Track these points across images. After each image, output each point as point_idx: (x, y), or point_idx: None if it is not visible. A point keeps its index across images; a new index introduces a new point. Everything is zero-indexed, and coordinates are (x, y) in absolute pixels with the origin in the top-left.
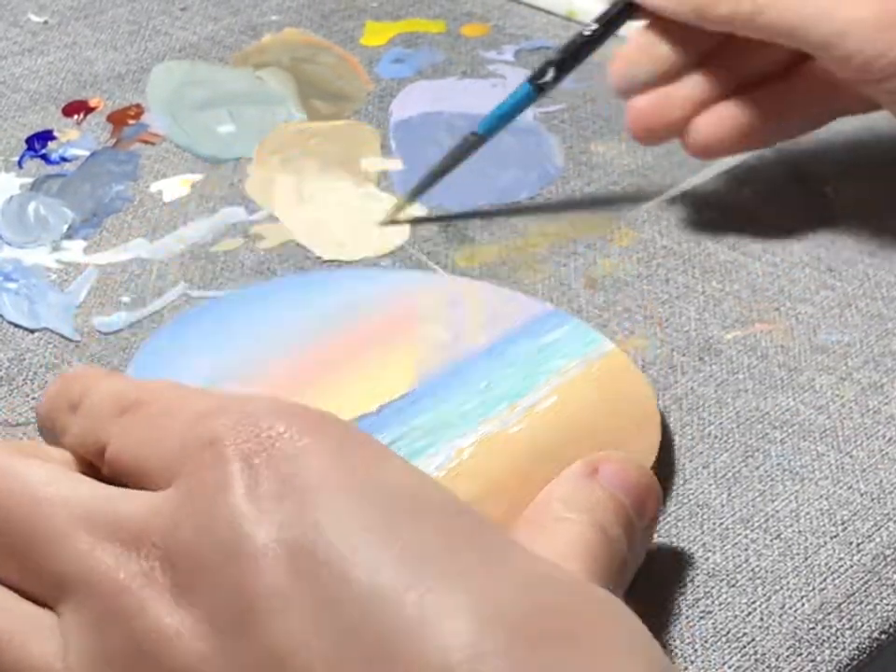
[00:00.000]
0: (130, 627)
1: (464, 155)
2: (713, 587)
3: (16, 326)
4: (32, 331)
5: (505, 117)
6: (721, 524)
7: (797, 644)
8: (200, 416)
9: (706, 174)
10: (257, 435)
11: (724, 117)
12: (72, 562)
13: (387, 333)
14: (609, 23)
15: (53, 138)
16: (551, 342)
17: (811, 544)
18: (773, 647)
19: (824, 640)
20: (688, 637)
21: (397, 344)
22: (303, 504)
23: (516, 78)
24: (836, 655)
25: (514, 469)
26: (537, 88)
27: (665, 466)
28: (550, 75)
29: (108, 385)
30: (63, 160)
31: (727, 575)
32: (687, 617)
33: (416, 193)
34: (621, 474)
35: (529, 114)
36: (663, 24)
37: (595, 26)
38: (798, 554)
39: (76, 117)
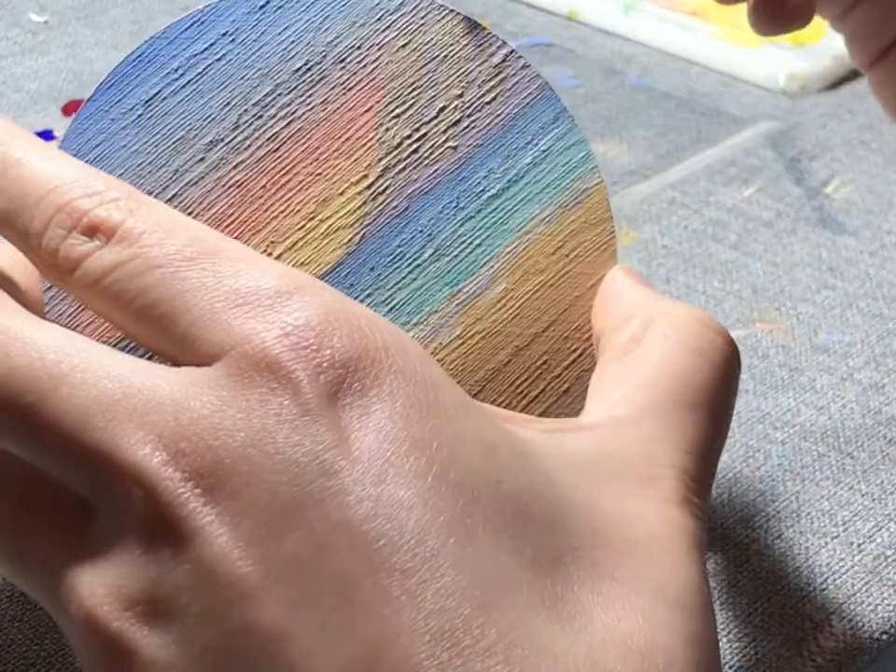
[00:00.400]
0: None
1: None
2: (714, 587)
3: None
4: None
5: None
6: (723, 524)
7: (798, 645)
8: (239, 303)
9: (693, 163)
10: (330, 365)
11: None
12: (109, 462)
13: (333, 143)
14: None
15: (54, 138)
16: (526, 167)
17: (812, 545)
18: (774, 647)
19: (825, 641)
20: None
21: (343, 166)
22: (388, 496)
23: None
24: (837, 655)
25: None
26: None
27: None
28: None
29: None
30: None
31: (728, 575)
32: None
33: None
34: None
35: None
36: None
37: None
38: (799, 555)
39: None
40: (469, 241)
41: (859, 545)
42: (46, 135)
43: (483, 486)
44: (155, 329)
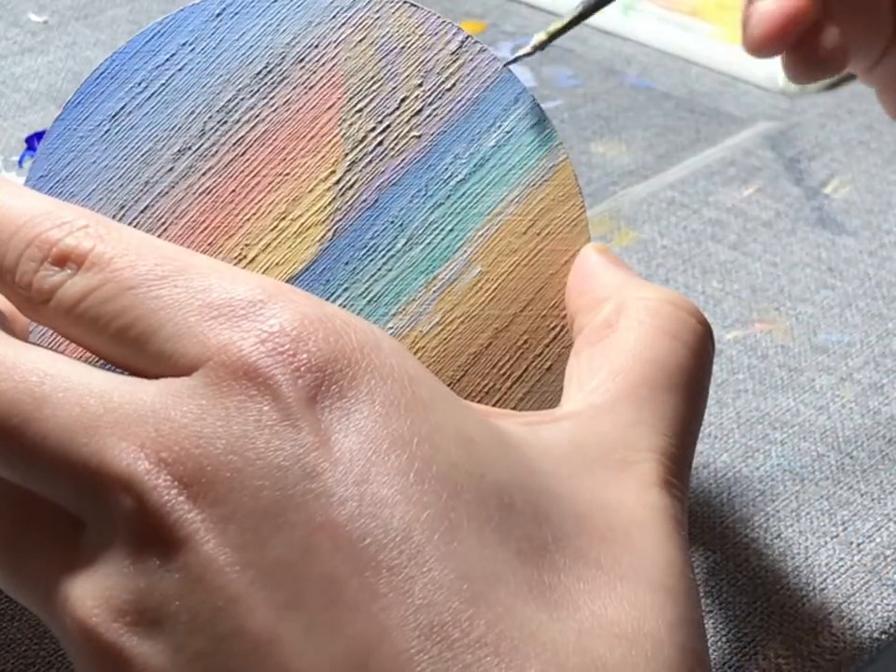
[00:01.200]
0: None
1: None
2: (713, 586)
3: None
4: None
5: None
6: (722, 523)
7: (797, 644)
8: (213, 315)
9: (690, 164)
10: (307, 369)
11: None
12: (92, 471)
13: (298, 142)
14: None
15: None
16: (491, 150)
17: (811, 544)
18: (773, 647)
19: (824, 641)
20: None
21: (308, 165)
22: (371, 495)
23: (516, 73)
24: (837, 655)
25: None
26: None
27: None
28: None
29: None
30: None
31: (727, 574)
32: None
33: (554, 37)
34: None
35: None
36: None
37: None
38: (798, 554)
39: None
40: (440, 227)
41: (858, 545)
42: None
43: (466, 479)
44: (132, 350)
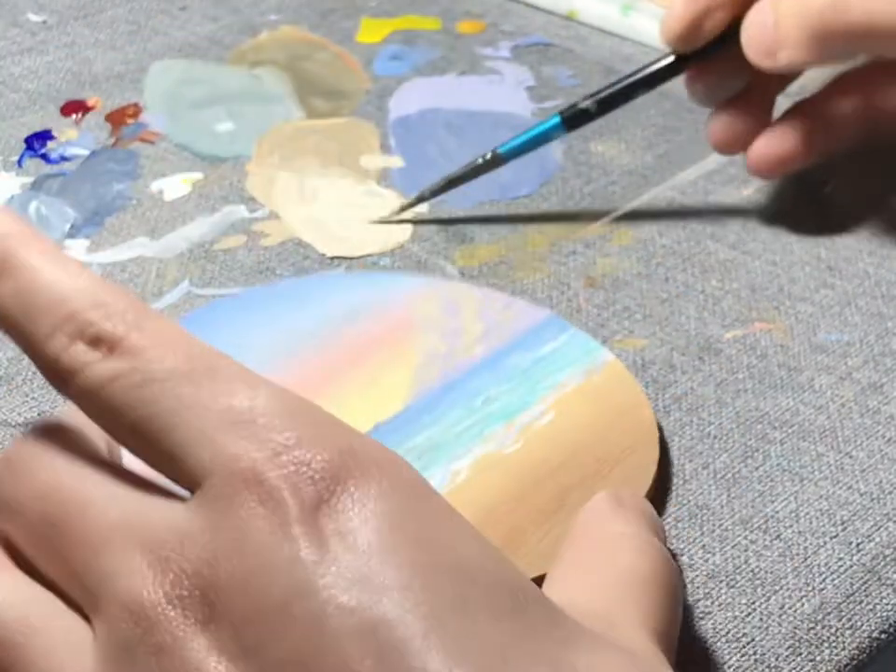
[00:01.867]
0: (158, 661)
1: (482, 171)
2: (713, 588)
3: None
4: None
5: (529, 143)
6: (721, 524)
7: (797, 644)
8: (232, 421)
9: (691, 172)
10: (313, 480)
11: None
12: (105, 576)
13: (384, 343)
14: (653, 76)
15: (52, 138)
16: (549, 352)
17: (811, 544)
18: (772, 647)
19: (824, 640)
20: (688, 638)
21: (392, 356)
22: (373, 585)
23: (513, 75)
24: (836, 655)
25: (510, 491)
26: (566, 122)
27: (663, 466)
28: (585, 105)
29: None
30: (63, 159)
31: (727, 576)
32: (687, 618)
33: (424, 199)
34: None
35: (528, 112)
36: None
37: (638, 76)
38: (798, 555)
39: (74, 116)
40: (512, 391)
41: (857, 545)
42: (44, 135)
43: (472, 588)
44: (146, 441)
